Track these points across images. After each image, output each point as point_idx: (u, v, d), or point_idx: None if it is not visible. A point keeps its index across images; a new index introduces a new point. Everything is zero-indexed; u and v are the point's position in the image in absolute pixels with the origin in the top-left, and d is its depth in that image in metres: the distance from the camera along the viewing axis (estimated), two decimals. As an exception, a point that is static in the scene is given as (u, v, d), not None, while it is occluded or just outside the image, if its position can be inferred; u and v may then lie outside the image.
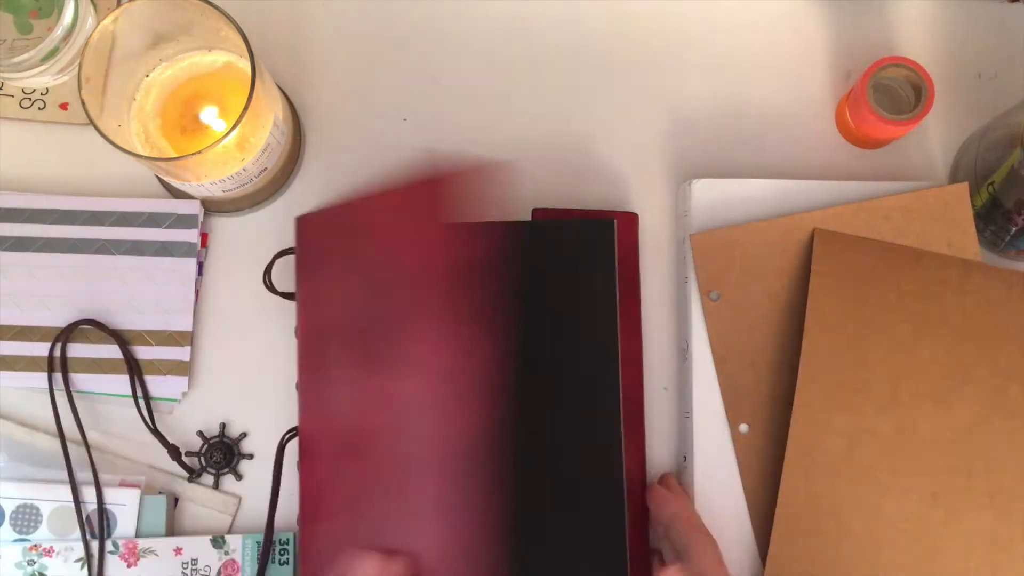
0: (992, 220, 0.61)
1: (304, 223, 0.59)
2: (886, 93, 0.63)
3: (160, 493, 0.60)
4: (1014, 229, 0.59)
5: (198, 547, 0.59)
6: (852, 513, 0.57)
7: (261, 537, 0.59)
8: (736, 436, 0.59)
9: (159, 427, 0.61)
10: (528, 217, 0.62)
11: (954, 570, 0.56)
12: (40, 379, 0.61)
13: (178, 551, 0.59)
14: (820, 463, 0.57)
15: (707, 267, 0.60)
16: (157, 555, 0.59)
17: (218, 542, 0.59)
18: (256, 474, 0.61)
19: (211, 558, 0.59)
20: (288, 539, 0.60)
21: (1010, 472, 0.57)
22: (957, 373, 0.58)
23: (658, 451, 0.62)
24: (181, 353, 0.62)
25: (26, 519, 0.59)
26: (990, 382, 0.58)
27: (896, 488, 0.57)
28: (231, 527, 0.61)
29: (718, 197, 0.61)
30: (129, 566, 0.59)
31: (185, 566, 0.59)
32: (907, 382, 0.58)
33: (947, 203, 0.60)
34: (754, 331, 0.59)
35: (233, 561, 0.59)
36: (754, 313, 0.59)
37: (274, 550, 0.59)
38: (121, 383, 0.61)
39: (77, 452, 0.60)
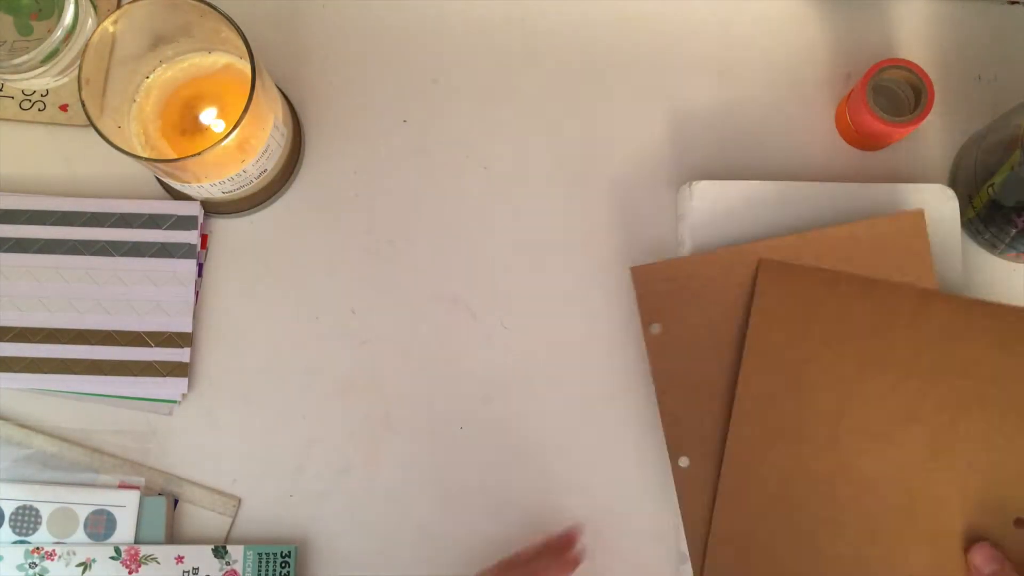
0: (992, 222, 0.61)
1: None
2: (886, 95, 0.63)
3: (160, 495, 0.60)
4: (1014, 231, 0.60)
5: (200, 556, 0.59)
6: (787, 550, 0.56)
7: (262, 549, 0.59)
8: (676, 469, 0.58)
9: (159, 429, 0.61)
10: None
11: None
12: (40, 380, 0.61)
13: (179, 559, 0.59)
14: (754, 499, 0.56)
15: (649, 299, 0.59)
16: (158, 562, 0.59)
17: (220, 552, 0.59)
18: (257, 475, 0.61)
19: (212, 568, 0.59)
20: (290, 551, 0.60)
21: (952, 511, 0.55)
22: (903, 410, 0.56)
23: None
24: (181, 355, 0.62)
25: (26, 520, 0.59)
26: (937, 419, 0.56)
27: (833, 525, 0.56)
28: (231, 528, 0.61)
29: (719, 198, 0.61)
30: (131, 572, 0.59)
31: (186, 574, 0.59)
32: (849, 419, 0.56)
33: (903, 231, 0.58)
34: (696, 364, 0.58)
35: (234, 572, 0.59)
36: (696, 346, 0.58)
37: (275, 562, 0.59)
38: (121, 384, 0.61)
39: (77, 453, 0.61)
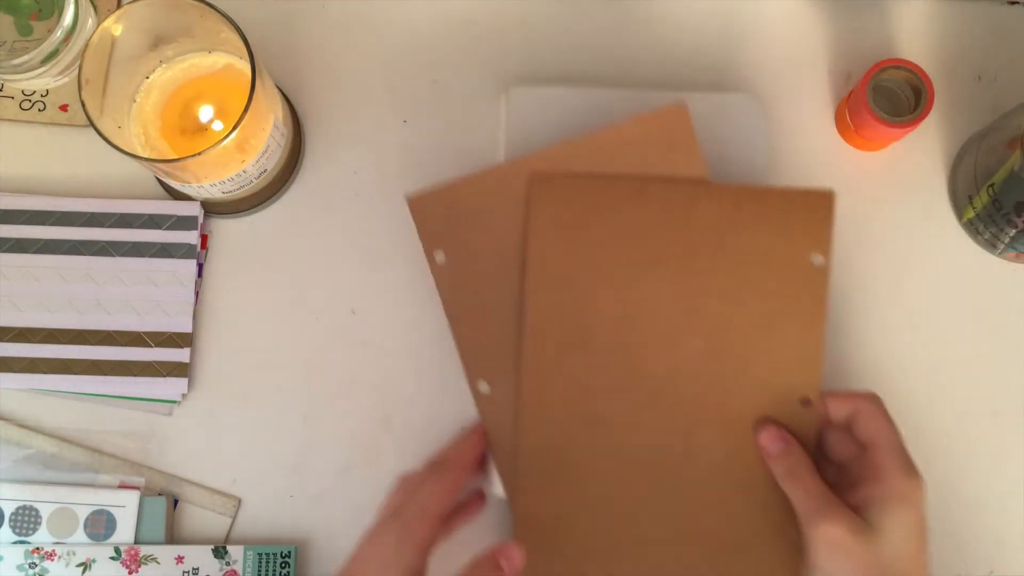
0: (992, 222, 0.61)
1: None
2: (886, 95, 0.63)
3: (160, 495, 0.60)
4: (1014, 231, 0.60)
5: (200, 556, 0.59)
6: (592, 455, 0.56)
7: (262, 549, 0.59)
8: (477, 395, 0.58)
9: (159, 429, 0.61)
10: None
11: (696, 488, 0.56)
12: (40, 380, 0.61)
13: (179, 559, 0.59)
14: (554, 412, 0.56)
15: (429, 227, 0.58)
16: (158, 563, 0.59)
17: (220, 552, 0.59)
18: (257, 475, 0.61)
19: (212, 568, 0.59)
20: (290, 551, 0.60)
21: (740, 398, 0.56)
22: (684, 305, 0.56)
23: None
24: (181, 355, 0.62)
25: (25, 521, 0.59)
26: (718, 310, 0.56)
27: (631, 426, 0.56)
28: (231, 528, 0.61)
29: (534, 107, 0.58)
30: (131, 572, 0.59)
31: (186, 575, 0.59)
32: (635, 321, 0.56)
33: (669, 125, 0.57)
34: (485, 287, 0.57)
35: (234, 572, 0.59)
36: (483, 269, 0.57)
37: (275, 563, 0.59)
38: (121, 384, 0.61)
39: (77, 454, 0.61)
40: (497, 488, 0.58)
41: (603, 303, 0.56)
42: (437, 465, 0.56)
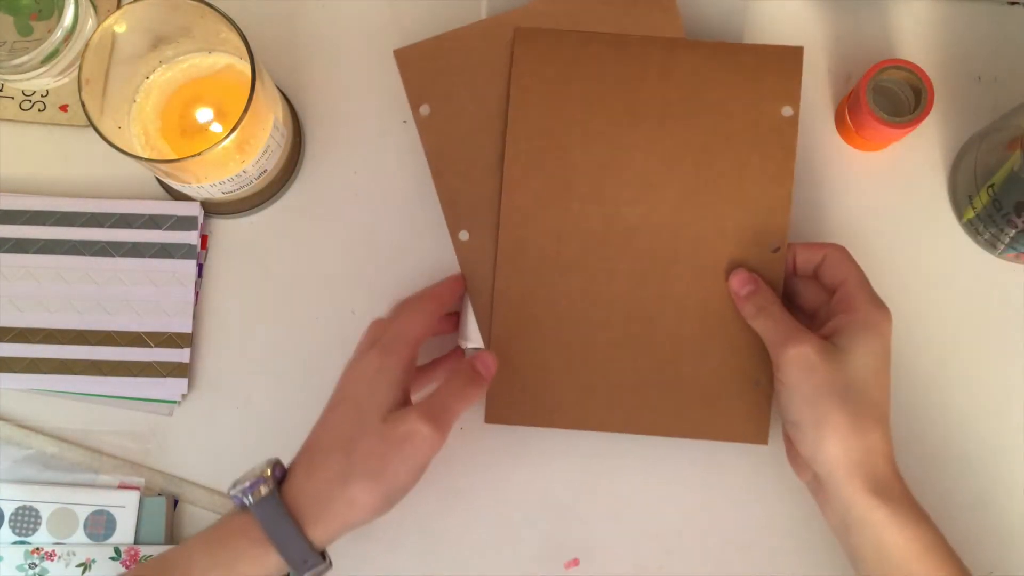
0: (992, 222, 0.61)
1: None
2: (886, 95, 0.63)
3: (159, 495, 0.60)
4: (1014, 231, 0.60)
5: (200, 553, 0.59)
6: (567, 302, 0.59)
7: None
8: (457, 243, 0.60)
9: (158, 430, 0.61)
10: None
11: (668, 334, 0.59)
12: (40, 381, 0.61)
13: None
14: (531, 260, 0.59)
15: (415, 81, 0.60)
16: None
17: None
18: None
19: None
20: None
21: (714, 245, 0.59)
22: (661, 156, 0.59)
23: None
24: (181, 355, 0.62)
25: (25, 521, 0.59)
26: (693, 160, 0.59)
27: (607, 273, 0.59)
28: (231, 529, 0.61)
29: None
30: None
31: (187, 572, 0.59)
32: (612, 172, 0.59)
33: None
34: (467, 140, 0.60)
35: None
36: (466, 123, 0.60)
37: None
38: (121, 385, 0.61)
39: (76, 454, 0.61)
40: (473, 341, 0.59)
41: (582, 153, 0.59)
42: (413, 298, 0.58)
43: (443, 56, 0.59)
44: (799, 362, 0.54)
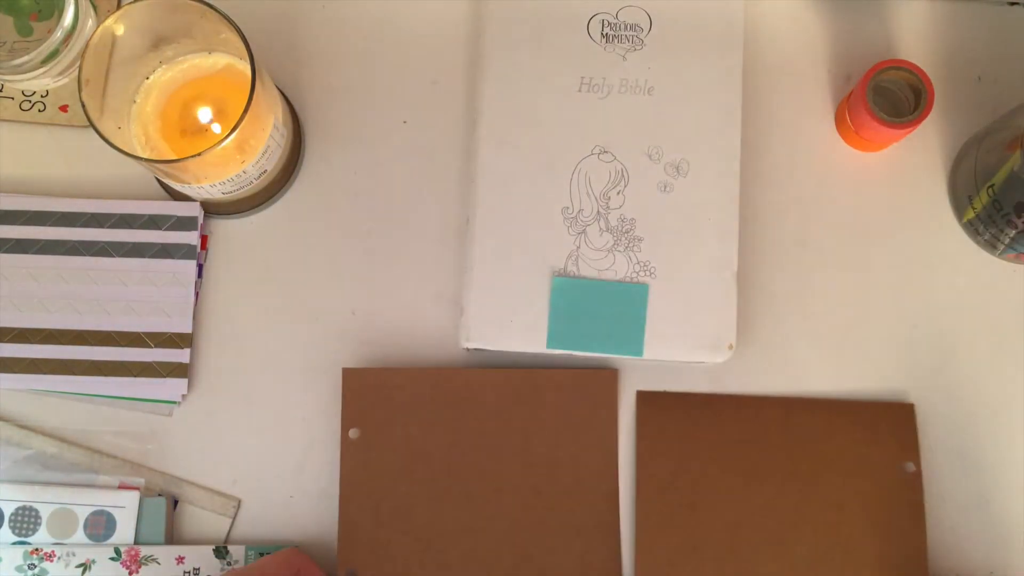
0: (992, 223, 0.61)
1: None
2: (886, 96, 0.63)
3: (159, 495, 0.60)
4: (1014, 232, 0.60)
5: (200, 556, 0.59)
6: None
7: (264, 550, 0.59)
8: None
9: (158, 430, 0.61)
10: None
11: None
12: (40, 381, 0.61)
13: (180, 560, 0.59)
14: None
15: (353, 403, 0.60)
16: (159, 563, 0.59)
17: (221, 552, 0.59)
18: (257, 475, 0.61)
19: (213, 568, 0.59)
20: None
21: None
22: (790, 513, 0.59)
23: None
24: (181, 355, 0.62)
25: (25, 521, 0.59)
26: (823, 517, 0.59)
27: None
28: (231, 529, 0.61)
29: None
30: (131, 573, 0.59)
31: (187, 575, 0.59)
32: (744, 530, 0.59)
33: (597, 386, 0.61)
34: (384, 476, 0.59)
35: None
36: (389, 459, 0.60)
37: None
38: (121, 385, 0.61)
39: (76, 454, 0.61)
40: (475, 341, 0.59)
41: (711, 513, 0.60)
42: None
43: (387, 389, 0.60)
44: None
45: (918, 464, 0.61)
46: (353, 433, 0.60)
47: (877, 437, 0.61)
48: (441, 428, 0.60)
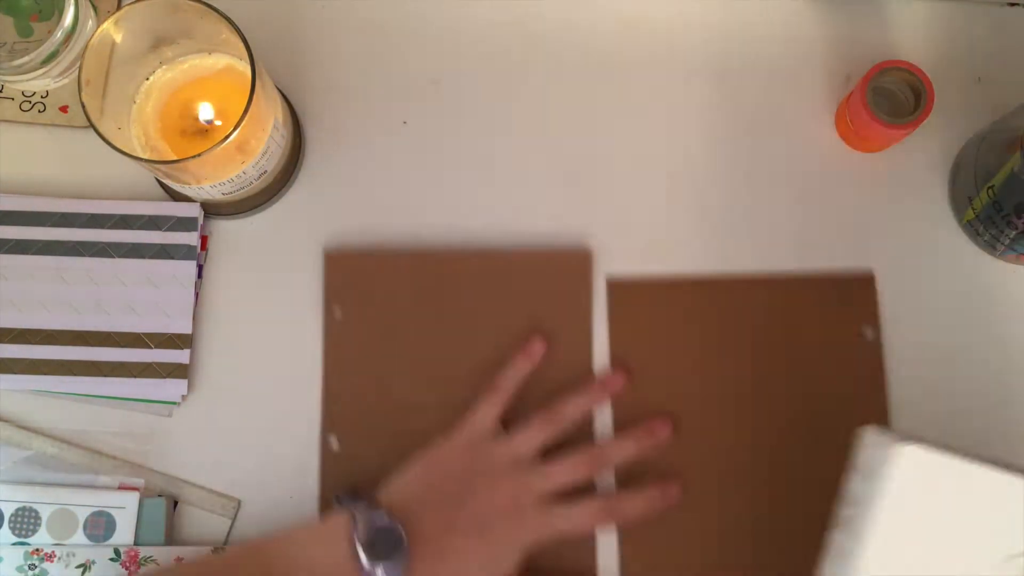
0: (992, 224, 0.61)
1: None
2: (886, 96, 0.63)
3: (159, 496, 0.60)
4: (1014, 233, 0.60)
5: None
6: (685, 520, 0.60)
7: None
8: (325, 449, 0.61)
9: (158, 430, 0.61)
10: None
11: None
12: (40, 382, 0.61)
13: (179, 560, 0.59)
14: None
15: (336, 284, 0.62)
16: (159, 564, 0.59)
17: (220, 552, 0.59)
18: (257, 476, 0.61)
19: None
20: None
21: (818, 464, 0.58)
22: (758, 385, 0.62)
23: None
24: (181, 356, 0.62)
25: (25, 522, 0.59)
26: (789, 388, 0.62)
27: (717, 496, 0.61)
28: (231, 530, 0.61)
29: None
30: (131, 574, 0.59)
31: (188, 575, 0.59)
32: (712, 402, 0.62)
33: (569, 268, 0.63)
34: (366, 353, 0.62)
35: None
36: (371, 337, 0.62)
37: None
38: (121, 385, 0.61)
39: (76, 455, 0.61)
40: None
41: (681, 386, 0.62)
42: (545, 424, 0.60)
43: (369, 271, 0.62)
44: None
45: (877, 330, 0.62)
46: (337, 312, 0.62)
47: (838, 308, 0.63)
48: (420, 309, 0.62)
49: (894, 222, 0.64)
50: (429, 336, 0.62)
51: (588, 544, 0.60)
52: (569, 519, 0.58)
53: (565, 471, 0.58)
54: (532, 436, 0.59)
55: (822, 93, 0.66)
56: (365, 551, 0.53)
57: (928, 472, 0.48)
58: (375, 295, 0.62)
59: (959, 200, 0.64)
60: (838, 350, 0.62)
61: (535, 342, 0.61)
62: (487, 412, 0.59)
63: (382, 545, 0.53)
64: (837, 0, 0.66)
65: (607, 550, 0.60)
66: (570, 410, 0.60)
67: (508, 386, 0.60)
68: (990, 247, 0.63)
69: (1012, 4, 0.66)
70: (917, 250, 0.64)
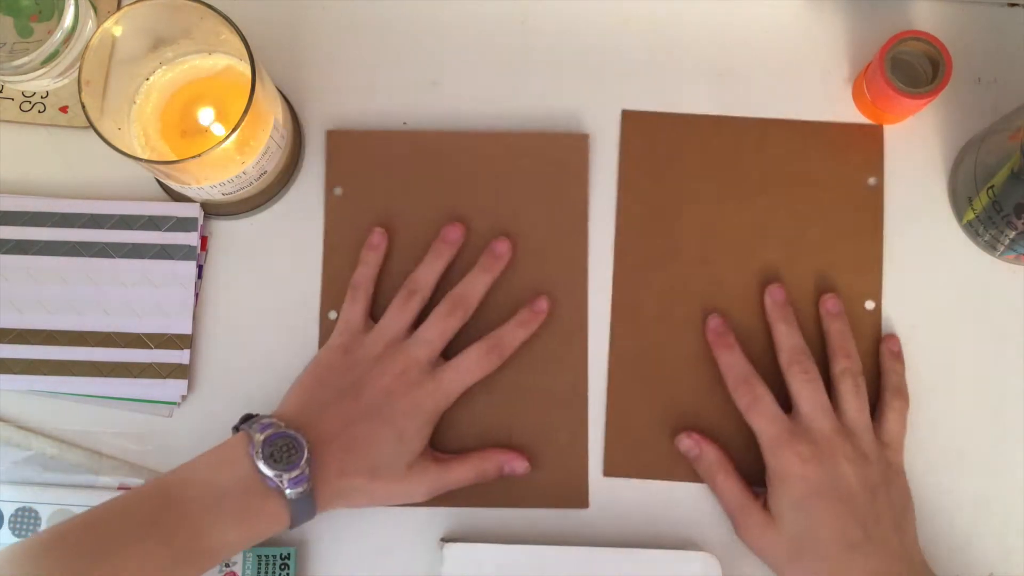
0: (992, 224, 0.61)
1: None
2: (903, 68, 0.62)
3: (160, 496, 0.60)
4: (1014, 233, 0.60)
5: (200, 556, 0.59)
6: (678, 361, 0.62)
7: (262, 551, 0.59)
8: (325, 322, 0.63)
9: (158, 431, 0.61)
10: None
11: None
12: (39, 382, 0.61)
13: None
14: (643, 319, 0.63)
15: (337, 163, 0.64)
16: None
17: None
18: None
19: (211, 569, 0.59)
20: (290, 553, 0.59)
21: (809, 305, 0.63)
22: (761, 224, 0.64)
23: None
24: (180, 356, 0.62)
25: (25, 522, 0.59)
26: (789, 228, 0.63)
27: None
28: (231, 530, 0.61)
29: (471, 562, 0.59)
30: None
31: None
32: (717, 240, 0.63)
33: (568, 151, 0.64)
34: (367, 231, 0.63)
35: (234, 574, 0.59)
36: (371, 215, 0.63)
37: (275, 564, 0.59)
38: (120, 386, 0.61)
39: (76, 455, 0.61)
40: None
41: (687, 223, 0.64)
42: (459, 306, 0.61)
43: (370, 150, 0.64)
44: (749, 542, 0.59)
45: (881, 179, 0.64)
46: (337, 191, 0.64)
47: (846, 155, 0.64)
48: (418, 187, 0.63)
49: (894, 222, 0.64)
50: (428, 215, 0.63)
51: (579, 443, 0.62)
52: (458, 371, 0.59)
53: (438, 330, 0.60)
54: (400, 317, 0.60)
55: (820, 93, 0.66)
56: (266, 462, 0.53)
57: (474, 559, 0.58)
58: (375, 174, 0.63)
59: (959, 200, 0.64)
60: (843, 194, 0.64)
61: (376, 233, 0.62)
62: (351, 311, 0.61)
63: (281, 453, 0.54)
64: (837, 0, 0.66)
65: (595, 447, 0.62)
66: (463, 290, 0.61)
67: (363, 283, 0.61)
68: (990, 247, 0.63)
69: (1012, 4, 0.66)
70: (917, 250, 0.64)
